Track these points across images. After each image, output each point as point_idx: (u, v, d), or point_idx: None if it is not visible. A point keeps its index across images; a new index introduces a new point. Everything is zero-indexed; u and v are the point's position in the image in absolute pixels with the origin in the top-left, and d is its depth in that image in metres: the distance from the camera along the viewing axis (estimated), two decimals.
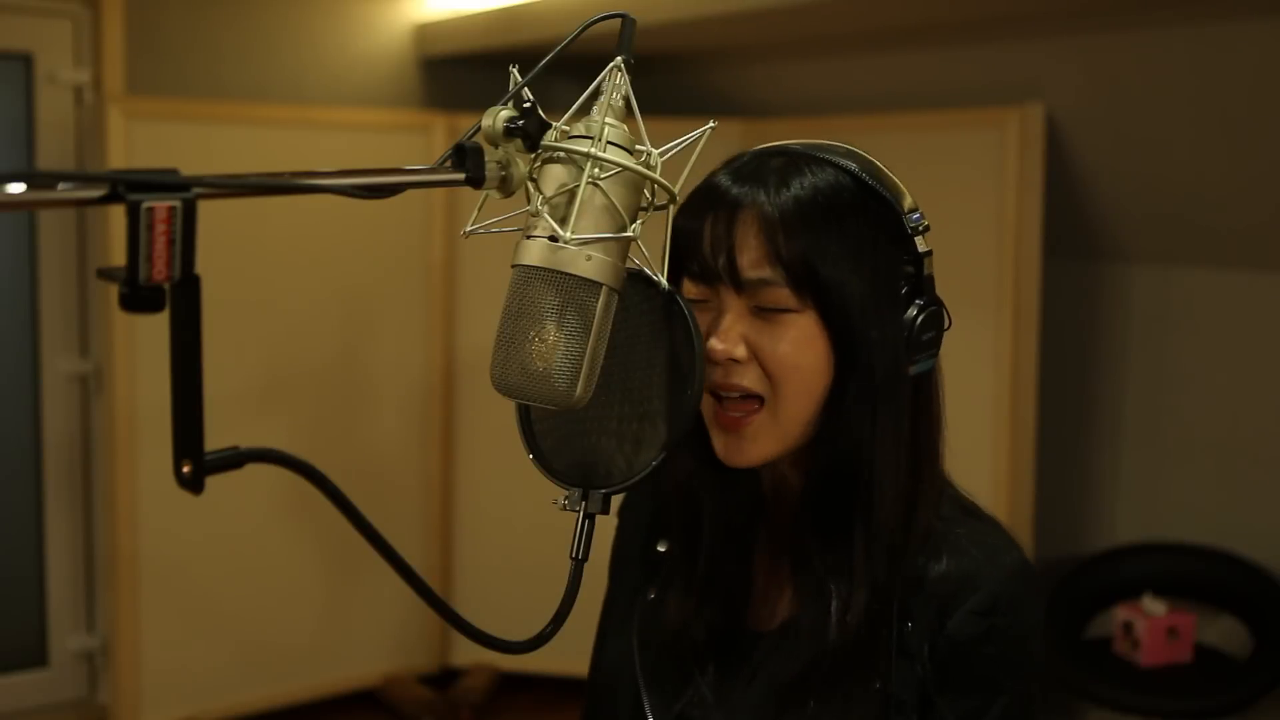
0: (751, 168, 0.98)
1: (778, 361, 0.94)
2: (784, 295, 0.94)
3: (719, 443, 0.98)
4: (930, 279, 0.98)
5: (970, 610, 0.95)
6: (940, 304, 0.98)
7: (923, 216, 0.98)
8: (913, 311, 0.96)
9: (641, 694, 1.05)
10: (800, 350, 0.94)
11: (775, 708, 0.99)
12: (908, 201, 0.98)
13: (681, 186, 0.92)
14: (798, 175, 0.96)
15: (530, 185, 0.85)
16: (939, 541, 0.98)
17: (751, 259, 0.94)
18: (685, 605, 1.04)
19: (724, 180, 0.98)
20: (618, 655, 1.10)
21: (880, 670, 0.95)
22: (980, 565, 0.97)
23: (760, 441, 0.96)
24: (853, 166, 0.97)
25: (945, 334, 1.01)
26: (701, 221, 0.96)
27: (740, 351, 0.94)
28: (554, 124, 0.85)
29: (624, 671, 1.08)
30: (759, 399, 0.95)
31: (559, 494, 0.91)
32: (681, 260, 0.97)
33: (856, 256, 0.94)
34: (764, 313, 0.95)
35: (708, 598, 1.04)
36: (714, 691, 1.03)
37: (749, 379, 0.95)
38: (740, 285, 0.95)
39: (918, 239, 0.97)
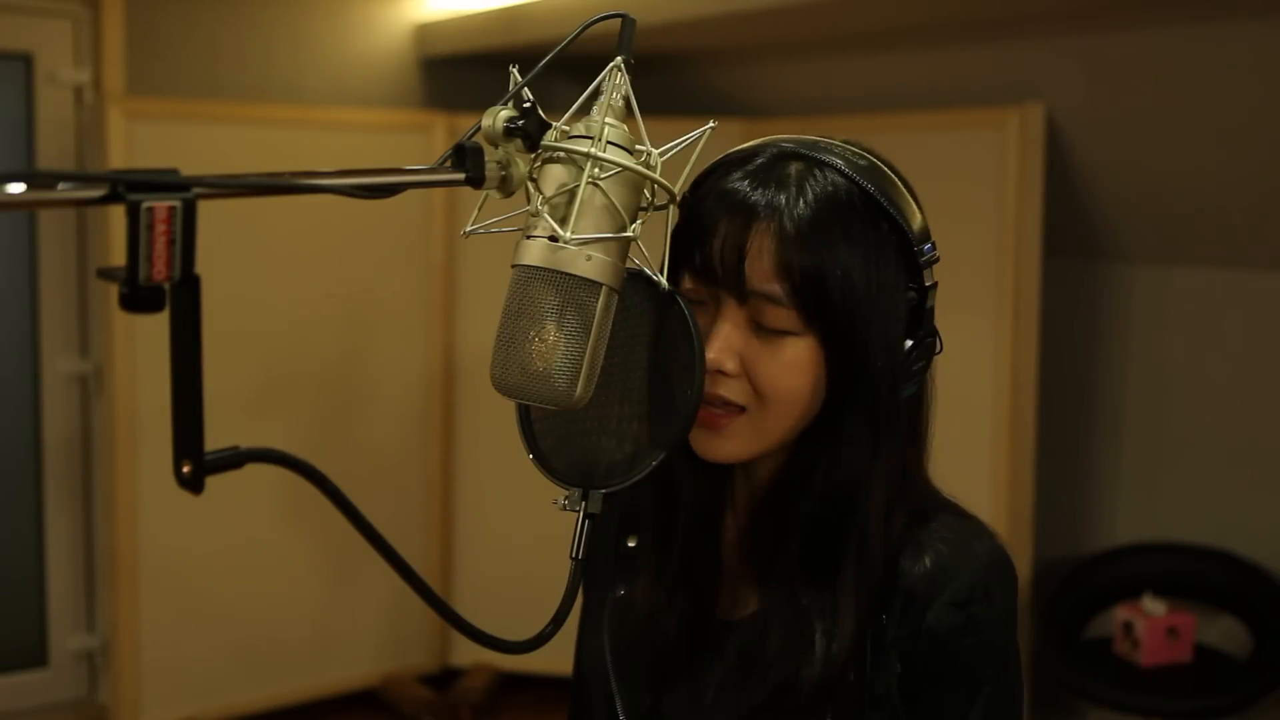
0: (767, 171, 0.95)
1: (768, 382, 0.93)
2: (787, 316, 0.92)
3: (694, 436, 0.97)
4: (931, 311, 0.97)
5: (947, 602, 0.95)
6: (935, 333, 0.98)
7: (934, 246, 0.97)
8: (909, 342, 0.96)
9: (613, 690, 1.05)
10: (793, 374, 0.93)
11: (746, 702, 0.99)
12: (917, 223, 0.96)
13: (681, 186, 0.92)
14: (814, 186, 0.93)
15: (530, 185, 0.85)
16: (915, 538, 0.98)
17: (762, 271, 0.92)
18: (655, 596, 1.04)
19: (741, 184, 0.94)
20: (592, 653, 1.10)
21: (855, 668, 0.95)
22: (953, 556, 0.96)
23: (737, 441, 0.96)
24: (870, 187, 0.94)
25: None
26: (715, 220, 0.93)
27: (732, 366, 0.93)
28: (554, 124, 0.85)
29: (598, 669, 1.08)
30: (741, 408, 0.95)
31: (559, 494, 0.91)
32: (685, 254, 0.95)
33: (868, 283, 0.93)
34: (763, 331, 0.93)
35: (679, 588, 1.03)
36: (685, 683, 1.03)
37: (734, 391, 0.94)
38: (744, 296, 0.93)
39: (925, 272, 0.96)
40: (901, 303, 0.95)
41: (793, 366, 0.93)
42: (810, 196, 0.93)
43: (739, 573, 1.04)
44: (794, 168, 0.95)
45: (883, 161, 0.98)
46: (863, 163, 0.96)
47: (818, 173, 0.94)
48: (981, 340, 2.79)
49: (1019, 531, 2.79)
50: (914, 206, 0.97)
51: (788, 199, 0.93)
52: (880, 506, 0.96)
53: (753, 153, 0.98)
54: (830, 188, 0.93)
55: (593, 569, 1.14)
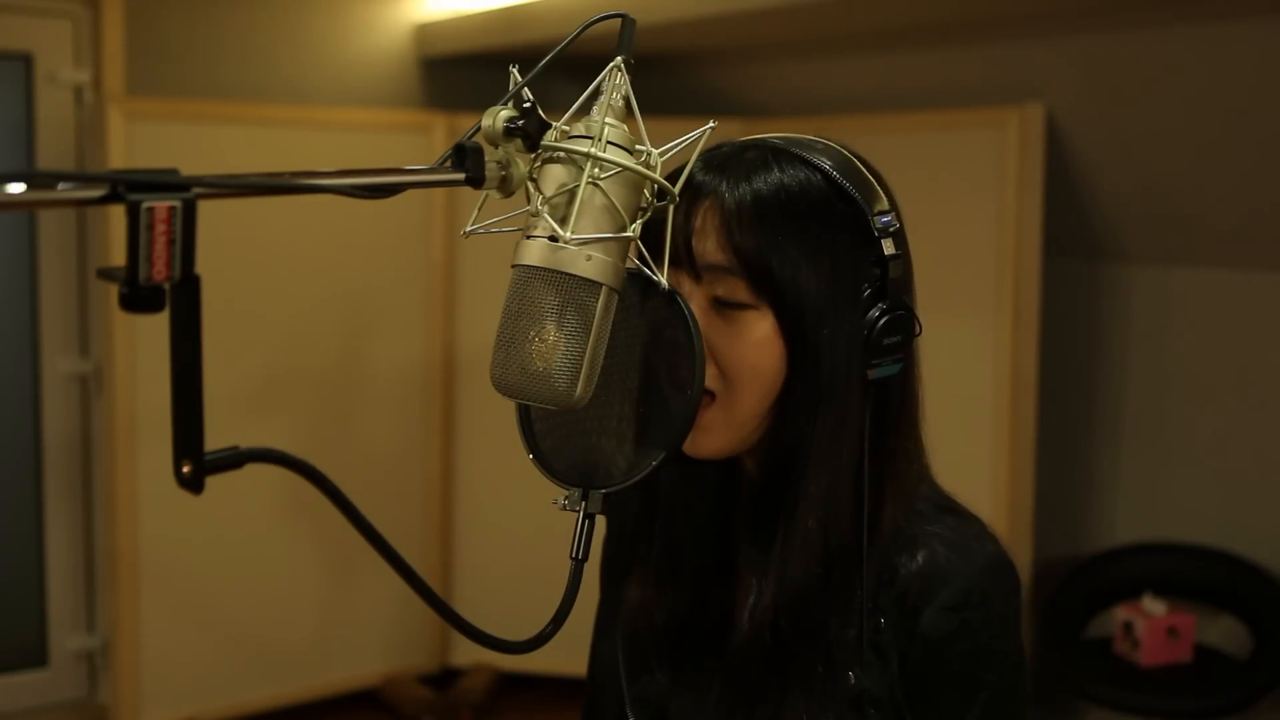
0: (724, 158, 0.97)
1: (734, 362, 0.94)
2: (740, 288, 0.93)
3: None
4: (898, 283, 0.96)
5: (941, 606, 0.94)
6: (909, 309, 0.97)
7: (894, 220, 0.96)
8: (874, 314, 0.94)
9: (624, 690, 1.06)
10: (757, 351, 0.94)
11: (735, 698, 0.99)
12: (881, 203, 0.96)
13: (681, 187, 0.92)
14: (765, 170, 0.95)
15: (530, 185, 0.85)
16: (912, 539, 0.98)
17: (709, 246, 0.94)
18: (646, 592, 1.05)
19: (695, 167, 0.97)
20: (605, 655, 1.11)
21: (843, 666, 0.95)
22: (951, 560, 0.96)
23: (714, 433, 0.96)
24: (826, 164, 0.95)
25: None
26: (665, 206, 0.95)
27: None
28: (554, 124, 0.85)
29: (610, 671, 1.09)
30: (711, 394, 0.95)
31: (559, 494, 0.91)
32: (645, 243, 0.96)
33: (813, 255, 0.93)
34: (723, 309, 0.94)
35: (666, 585, 1.04)
36: (680, 679, 1.03)
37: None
38: (698, 272, 0.94)
39: (885, 242, 0.95)
40: (859, 274, 0.95)
41: (756, 344, 0.93)
42: (756, 175, 0.94)
43: (748, 575, 1.04)
44: (750, 155, 0.97)
45: (855, 155, 0.99)
46: (824, 145, 0.98)
47: (771, 156, 0.96)
48: (981, 340, 2.79)
49: (1019, 531, 2.79)
50: (879, 190, 0.97)
51: (733, 178, 0.94)
52: (822, 477, 0.95)
53: (722, 144, 0.99)
54: (779, 169, 0.95)
55: (611, 571, 1.15)
